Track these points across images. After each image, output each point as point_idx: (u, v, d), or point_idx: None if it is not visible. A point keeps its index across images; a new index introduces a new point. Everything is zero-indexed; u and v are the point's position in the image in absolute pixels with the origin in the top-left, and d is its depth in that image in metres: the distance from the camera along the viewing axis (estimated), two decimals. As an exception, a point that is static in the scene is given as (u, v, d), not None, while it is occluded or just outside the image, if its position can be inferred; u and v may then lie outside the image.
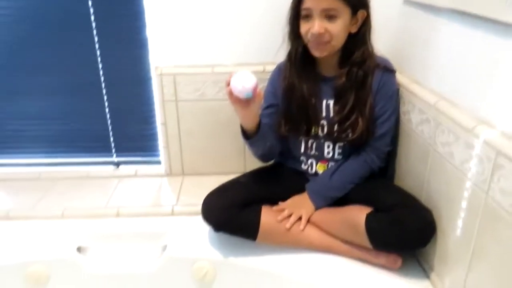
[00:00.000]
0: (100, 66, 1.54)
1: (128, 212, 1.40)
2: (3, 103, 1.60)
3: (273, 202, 1.25)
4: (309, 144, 1.27)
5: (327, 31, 1.08)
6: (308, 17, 1.10)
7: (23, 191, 1.53)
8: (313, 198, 1.22)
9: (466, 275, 0.91)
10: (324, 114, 1.23)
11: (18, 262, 1.23)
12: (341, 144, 1.24)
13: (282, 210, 1.21)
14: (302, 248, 1.18)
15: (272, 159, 1.34)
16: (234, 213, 1.15)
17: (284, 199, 1.26)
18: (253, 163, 1.38)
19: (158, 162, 1.67)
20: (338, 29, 1.09)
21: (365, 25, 1.14)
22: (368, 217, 1.07)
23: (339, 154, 1.26)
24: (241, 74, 1.04)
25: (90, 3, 1.45)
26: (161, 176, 1.64)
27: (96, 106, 1.60)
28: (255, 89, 1.04)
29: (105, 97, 1.59)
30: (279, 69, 1.28)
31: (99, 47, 1.51)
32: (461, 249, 0.93)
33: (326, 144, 1.26)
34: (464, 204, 0.91)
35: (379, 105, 1.18)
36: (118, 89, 1.58)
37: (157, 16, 1.44)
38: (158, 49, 1.49)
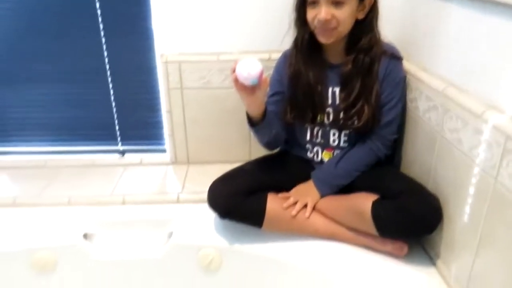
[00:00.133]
0: (105, 54, 1.53)
1: (133, 200, 1.40)
2: (9, 91, 1.60)
3: (278, 189, 1.25)
4: (315, 132, 1.27)
5: (334, 17, 1.07)
6: (315, 3, 1.09)
7: (29, 179, 1.54)
8: (318, 186, 1.22)
9: (473, 261, 0.90)
10: (330, 101, 1.22)
11: (25, 249, 1.24)
12: (347, 132, 1.24)
13: (288, 197, 1.21)
14: (308, 235, 1.18)
15: (278, 147, 1.34)
16: (239, 200, 1.15)
17: (289, 187, 1.26)
18: (259, 151, 1.38)
19: (163, 151, 1.67)
20: (345, 15, 1.08)
21: (372, 11, 1.13)
22: (374, 204, 1.07)
23: (344, 142, 1.25)
24: (247, 61, 1.03)
25: (95, -10, 1.45)
26: (166, 164, 1.64)
27: (101, 94, 1.60)
28: (260, 76, 1.04)
29: (110, 85, 1.58)
30: (285, 56, 1.27)
31: (104, 35, 1.51)
32: (468, 235, 0.92)
33: (331, 132, 1.25)
34: (472, 190, 0.90)
35: (385, 92, 1.18)
36: (123, 77, 1.57)
37: (163, 3, 1.43)
38: (163, 37, 1.48)
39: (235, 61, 1.05)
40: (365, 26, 1.13)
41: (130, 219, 1.34)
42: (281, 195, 1.22)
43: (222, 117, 1.55)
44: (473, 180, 0.90)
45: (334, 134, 1.25)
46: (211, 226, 1.25)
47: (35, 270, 1.25)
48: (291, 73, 1.22)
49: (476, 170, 0.88)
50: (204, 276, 1.25)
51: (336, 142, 1.26)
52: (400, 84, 1.19)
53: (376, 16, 1.14)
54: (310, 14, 1.11)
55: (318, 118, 1.24)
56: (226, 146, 1.60)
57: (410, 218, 1.01)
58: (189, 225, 1.28)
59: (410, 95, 1.20)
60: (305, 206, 1.19)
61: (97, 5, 1.46)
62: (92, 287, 1.29)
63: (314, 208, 1.19)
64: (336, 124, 1.23)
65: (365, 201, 1.09)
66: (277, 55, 1.32)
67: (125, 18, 1.49)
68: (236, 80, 1.05)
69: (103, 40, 1.52)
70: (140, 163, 1.65)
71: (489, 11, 0.87)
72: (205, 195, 1.20)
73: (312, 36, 1.16)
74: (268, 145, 1.28)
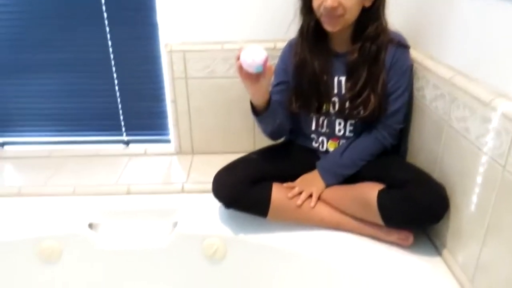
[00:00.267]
0: (110, 43, 1.53)
1: (138, 190, 1.40)
2: (13, 81, 1.60)
3: (283, 179, 1.24)
4: (320, 122, 1.26)
5: (340, 4, 1.06)
6: (321, -10, 1.08)
7: (34, 169, 1.54)
8: (323, 176, 1.22)
9: (480, 250, 0.90)
10: (335, 91, 1.21)
11: (30, 238, 1.24)
12: (353, 121, 1.23)
13: (293, 187, 1.20)
14: (313, 225, 1.18)
15: (282, 137, 1.33)
16: (244, 189, 1.15)
17: (294, 176, 1.25)
18: (263, 141, 1.37)
19: (168, 141, 1.67)
20: (352, 2, 1.06)
21: (380, -1, 1.11)
22: (380, 193, 1.06)
23: (350, 131, 1.24)
24: (251, 48, 1.02)
25: (99, -21, 1.44)
26: (171, 154, 1.65)
27: (106, 84, 1.59)
28: (265, 63, 1.02)
29: (115, 75, 1.58)
30: (290, 45, 1.26)
31: (108, 24, 1.50)
32: (475, 224, 0.92)
33: (337, 121, 1.24)
34: (479, 179, 0.89)
35: (392, 81, 1.16)
36: (128, 66, 1.57)
37: (167, -8, 1.42)
38: (167, 26, 1.47)
39: (240, 49, 1.04)
40: (372, 14, 1.12)
41: (134, 209, 1.34)
42: (286, 185, 1.22)
43: (226, 107, 1.54)
44: (481, 169, 0.89)
45: (339, 124, 1.24)
46: (215, 216, 1.25)
47: (40, 260, 1.26)
48: (297, 62, 1.21)
49: (484, 158, 0.87)
50: (209, 265, 1.25)
51: (342, 132, 1.25)
52: (407, 72, 1.18)
53: (383, 3, 1.12)
54: (316, 1, 1.09)
55: (324, 107, 1.23)
56: (230, 136, 1.60)
57: (416, 208, 1.01)
58: (193, 215, 1.28)
59: (417, 84, 1.19)
60: (310, 196, 1.18)
61: (102, -6, 1.46)
62: (97, 276, 1.30)
63: (319, 198, 1.19)
64: (342, 114, 1.22)
65: (370, 190, 1.08)
66: (282, 44, 1.30)
67: (129, 8, 1.48)
68: (240, 68, 1.04)
69: (107, 29, 1.51)
70: (145, 153, 1.65)
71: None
72: (209, 185, 1.20)
73: (318, 24, 1.14)
74: (272, 134, 1.27)
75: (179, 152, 1.64)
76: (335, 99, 1.21)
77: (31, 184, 1.44)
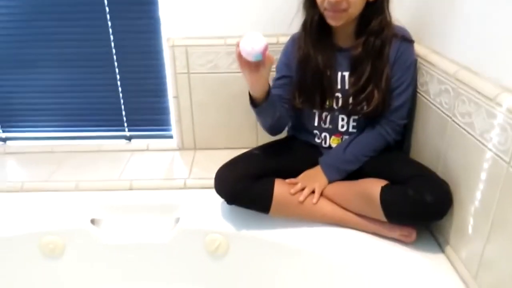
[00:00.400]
0: (112, 38, 1.52)
1: (141, 185, 1.40)
2: (14, 76, 1.60)
3: (286, 175, 1.23)
4: (323, 117, 1.25)
5: (344, -2, 1.05)
6: (325, -16, 1.07)
7: (36, 164, 1.54)
8: (326, 171, 1.21)
9: (484, 247, 0.89)
10: (339, 86, 1.20)
11: (33, 233, 1.24)
12: (356, 117, 1.22)
13: (295, 183, 1.20)
14: (315, 221, 1.17)
15: (281, 131, 1.30)
16: (247, 185, 1.14)
17: (297, 172, 1.24)
18: (266, 137, 1.36)
19: (170, 136, 1.67)
20: None
21: (384, -8, 1.10)
22: (383, 189, 1.05)
23: (353, 127, 1.24)
24: (251, 35, 0.99)
25: (101, -27, 1.43)
26: (173, 150, 1.64)
27: (108, 79, 1.59)
28: (265, 51, 1.00)
29: (117, 70, 1.57)
30: (293, 40, 1.25)
31: (110, 18, 1.49)
32: (479, 221, 0.91)
33: (340, 117, 1.23)
34: (483, 175, 0.88)
35: (396, 76, 1.15)
36: (130, 61, 1.56)
37: (169, -14, 1.41)
38: (170, 20, 1.46)
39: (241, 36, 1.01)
40: (376, 8, 1.11)
41: (137, 205, 1.34)
42: (288, 180, 1.21)
43: (229, 102, 1.53)
44: (485, 165, 0.88)
45: (342, 120, 1.24)
46: (218, 212, 1.25)
47: (43, 255, 1.26)
48: (300, 57, 1.20)
49: (488, 154, 0.86)
50: (211, 261, 1.25)
51: (345, 128, 1.24)
52: (411, 67, 1.17)
53: (387, -3, 1.11)
54: (320, -5, 1.08)
55: (327, 103, 1.22)
56: (233, 132, 1.59)
57: (419, 204, 1.00)
58: (196, 211, 1.28)
59: (421, 79, 1.18)
60: (313, 192, 1.18)
61: (103, -12, 1.45)
62: (100, 271, 1.30)
63: (321, 194, 1.18)
64: (345, 110, 1.21)
65: (373, 186, 1.07)
66: (285, 39, 1.29)
67: (131, 2, 1.47)
68: (239, 56, 1.02)
69: (109, 24, 1.50)
70: (147, 149, 1.65)
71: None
72: (212, 181, 1.19)
73: (321, 19, 1.13)
74: (271, 128, 1.26)
75: (182, 147, 1.64)
76: (338, 94, 1.20)
77: (33, 179, 1.44)
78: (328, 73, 1.18)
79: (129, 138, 1.69)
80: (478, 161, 0.90)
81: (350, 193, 1.14)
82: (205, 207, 1.28)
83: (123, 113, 1.65)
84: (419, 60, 1.18)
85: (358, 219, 1.13)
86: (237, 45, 1.01)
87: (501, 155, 0.82)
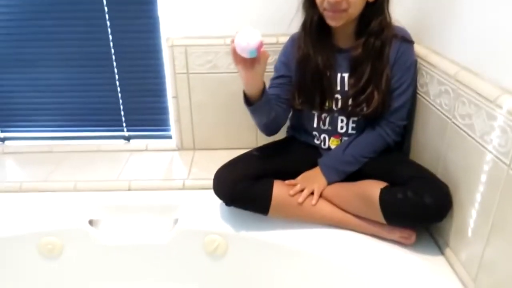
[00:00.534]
0: (110, 37, 1.51)
1: (139, 186, 1.39)
2: (13, 75, 1.59)
3: (285, 176, 1.22)
4: (323, 119, 1.24)
5: (344, -2, 1.04)
6: (325, -16, 1.06)
7: (35, 164, 1.54)
8: (325, 172, 1.20)
9: (484, 249, 0.89)
10: (338, 87, 1.19)
11: (31, 233, 1.24)
12: (355, 118, 1.21)
13: (294, 184, 1.19)
14: (314, 222, 1.17)
15: (277, 131, 1.29)
16: (246, 186, 1.14)
17: (296, 173, 1.24)
18: (265, 138, 1.35)
19: (169, 137, 1.66)
20: None
21: (384, -7, 1.10)
22: (383, 191, 1.05)
23: (353, 129, 1.23)
24: (246, 31, 0.98)
25: (99, -28, 1.42)
26: (172, 150, 1.64)
27: (106, 78, 1.58)
28: (259, 47, 0.99)
29: (116, 70, 1.57)
30: (293, 40, 1.24)
31: (109, 18, 1.49)
32: (479, 223, 0.91)
33: (339, 118, 1.23)
34: (483, 177, 0.88)
35: (396, 77, 1.15)
36: (129, 61, 1.56)
37: (168, -14, 1.41)
38: (169, 20, 1.46)
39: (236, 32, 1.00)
40: (376, 8, 1.10)
41: (136, 205, 1.33)
42: (287, 182, 1.20)
43: (229, 102, 1.53)
44: (485, 167, 0.87)
45: (342, 121, 1.23)
46: (217, 212, 1.24)
47: (41, 255, 1.26)
48: (300, 57, 1.19)
49: (488, 157, 0.86)
50: (210, 262, 1.25)
51: (344, 129, 1.23)
52: (411, 68, 1.16)
53: (387, -2, 1.11)
54: (319, -5, 1.08)
55: (326, 104, 1.21)
56: (232, 132, 1.59)
57: (419, 206, 0.99)
58: (195, 211, 1.27)
59: (421, 80, 1.18)
60: (312, 193, 1.17)
61: (102, -13, 1.44)
62: (98, 272, 1.30)
63: (321, 195, 1.17)
64: (345, 111, 1.20)
65: (373, 188, 1.07)
66: (284, 39, 1.29)
67: (130, 1, 1.46)
68: (234, 52, 1.01)
69: (108, 23, 1.49)
70: (146, 149, 1.64)
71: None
72: (211, 181, 1.19)
73: (321, 19, 1.13)
74: (266, 128, 1.24)
75: (181, 148, 1.63)
76: (338, 96, 1.20)
77: (32, 179, 1.43)
78: (328, 74, 1.18)
79: (128, 138, 1.69)
80: (478, 163, 0.90)
81: (349, 194, 1.14)
82: (204, 208, 1.27)
83: (122, 113, 1.64)
84: (419, 60, 1.18)
85: (358, 221, 1.13)
86: (232, 41, 1.00)
87: (501, 157, 0.82)
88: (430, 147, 1.14)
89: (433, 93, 1.10)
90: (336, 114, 1.22)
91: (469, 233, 0.95)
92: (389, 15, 1.13)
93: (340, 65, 1.18)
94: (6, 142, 1.69)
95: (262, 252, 1.19)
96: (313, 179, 1.20)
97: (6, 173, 1.51)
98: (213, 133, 1.60)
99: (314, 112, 1.24)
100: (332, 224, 1.16)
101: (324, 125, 1.24)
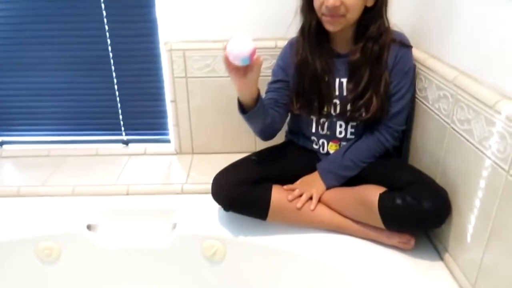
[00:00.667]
0: (109, 41, 1.51)
1: (138, 190, 1.39)
2: (11, 79, 1.59)
3: (284, 180, 1.22)
4: (321, 123, 1.24)
5: (342, 3, 1.04)
6: (323, -11, 1.06)
7: (33, 168, 1.53)
8: (324, 177, 1.20)
9: (483, 255, 0.88)
10: (337, 92, 1.19)
11: (29, 238, 1.23)
12: (354, 123, 1.21)
13: (293, 189, 1.19)
14: (313, 227, 1.17)
15: (273, 136, 1.27)
16: (244, 191, 1.13)
17: (295, 178, 1.24)
18: (264, 142, 1.35)
19: (168, 141, 1.66)
20: (354, 2, 1.05)
21: (382, -2, 1.09)
22: (382, 196, 1.04)
23: (351, 133, 1.23)
24: (238, 38, 0.97)
25: (97, -24, 1.42)
26: (171, 154, 1.63)
27: (105, 82, 1.58)
28: (252, 55, 0.97)
29: (114, 74, 1.56)
30: (291, 44, 1.24)
31: (107, 22, 1.48)
32: (478, 228, 0.90)
33: (338, 123, 1.22)
34: (482, 183, 0.88)
35: (394, 82, 1.15)
36: (127, 65, 1.55)
37: (167, -10, 1.41)
38: (167, 24, 1.45)
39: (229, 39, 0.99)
40: (374, 13, 1.10)
41: (134, 209, 1.33)
42: (286, 187, 1.20)
43: (227, 106, 1.52)
44: (484, 173, 0.87)
45: (340, 126, 1.23)
46: (215, 217, 1.24)
47: (39, 260, 1.25)
48: (298, 61, 1.18)
49: (487, 162, 0.86)
50: (208, 266, 1.24)
51: (343, 134, 1.23)
52: (410, 73, 1.16)
53: (385, 3, 1.10)
54: (318, 0, 1.07)
55: (325, 109, 1.21)
56: (231, 136, 1.58)
57: (418, 211, 0.99)
58: (193, 216, 1.27)
59: (419, 85, 1.17)
60: (311, 198, 1.17)
61: (100, -9, 1.44)
62: (96, 277, 1.29)
63: (319, 200, 1.17)
64: (343, 116, 1.20)
65: (372, 193, 1.07)
66: (283, 43, 1.29)
67: (129, 5, 1.46)
68: (227, 59, 0.99)
69: (106, 27, 1.49)
70: (144, 153, 1.64)
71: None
72: (209, 186, 1.19)
73: (319, 24, 1.12)
74: (261, 133, 1.23)
75: (179, 152, 1.63)
76: (336, 101, 1.20)
77: (30, 184, 1.43)
78: (326, 78, 1.17)
79: (126, 142, 1.68)
80: (477, 169, 0.89)
81: (348, 199, 1.13)
82: (202, 213, 1.27)
83: (120, 117, 1.64)
84: (418, 65, 1.18)
85: (356, 226, 1.13)
86: (224, 48, 0.99)
87: (500, 163, 0.82)
88: (429, 152, 1.14)
89: (431, 98, 1.10)
90: (334, 119, 1.22)
91: (468, 239, 0.94)
92: (387, 20, 1.13)
93: (339, 70, 1.17)
94: (4, 146, 1.69)
95: (261, 257, 1.18)
96: (312, 183, 1.20)
97: (4, 178, 1.50)
98: (212, 137, 1.60)
99: (312, 117, 1.23)
100: (331, 229, 1.16)
101: (323, 130, 1.24)
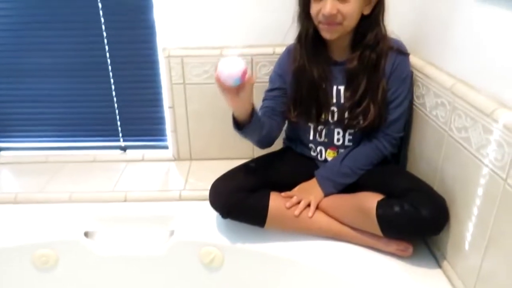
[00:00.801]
0: (107, 48, 1.51)
1: (135, 197, 1.38)
2: (9, 85, 1.59)
3: (281, 187, 1.22)
4: (319, 131, 1.24)
5: (339, 12, 1.04)
6: (320, -3, 1.06)
7: (30, 175, 1.53)
8: (322, 184, 1.20)
9: (481, 262, 0.88)
10: (334, 100, 1.19)
11: (26, 245, 1.23)
12: (352, 131, 1.21)
13: (291, 196, 1.18)
14: (311, 234, 1.16)
15: (270, 145, 1.27)
16: (242, 197, 1.13)
17: (293, 184, 1.24)
18: (262, 148, 1.35)
19: (166, 147, 1.66)
20: (351, 10, 1.05)
21: (379, 6, 1.09)
22: (379, 203, 1.04)
23: (349, 141, 1.23)
24: (228, 60, 0.97)
25: (96, -17, 1.42)
26: (169, 160, 1.63)
27: (103, 89, 1.58)
28: (243, 75, 0.97)
29: (112, 80, 1.56)
30: (289, 51, 1.24)
31: (105, 28, 1.48)
32: (476, 236, 0.90)
33: (336, 131, 1.22)
34: (480, 191, 0.88)
35: (392, 89, 1.15)
36: (125, 71, 1.55)
37: (165, -3, 1.41)
38: (165, 30, 1.46)
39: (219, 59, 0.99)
40: (371, 21, 1.10)
41: (132, 216, 1.32)
42: (284, 194, 1.20)
43: (225, 113, 1.50)
44: (482, 181, 0.87)
45: (338, 133, 1.23)
46: (213, 224, 1.24)
47: (36, 267, 1.25)
48: (295, 69, 1.19)
49: (485, 170, 0.86)
50: (206, 273, 1.24)
51: (341, 142, 1.23)
52: (407, 80, 1.16)
53: (382, 10, 1.11)
54: (315, 8, 1.08)
55: (323, 116, 1.21)
56: (229, 143, 1.58)
57: (415, 219, 0.99)
58: (191, 222, 1.27)
59: (417, 92, 1.18)
60: (309, 205, 1.16)
61: (98, -3, 1.44)
62: (94, 283, 1.28)
63: (317, 207, 1.17)
64: (341, 123, 1.20)
65: (369, 200, 1.07)
66: (281, 49, 1.29)
67: (127, 11, 1.46)
68: (218, 80, 0.99)
69: (104, 34, 1.49)
70: (142, 159, 1.64)
71: (505, 5, 0.83)
72: (207, 192, 1.18)
73: (316, 32, 1.13)
74: (259, 143, 1.23)
75: (177, 158, 1.63)
76: (334, 108, 1.20)
77: (27, 190, 1.42)
78: (323, 86, 1.18)
79: (124, 149, 1.68)
80: (474, 177, 0.90)
81: (346, 206, 1.13)
82: (200, 219, 1.27)
83: (118, 123, 1.64)
84: (415, 72, 1.18)
85: (354, 233, 1.12)
86: (216, 69, 0.98)
87: (497, 171, 0.82)
88: (427, 159, 1.14)
89: (429, 105, 1.10)
90: (332, 127, 1.22)
91: (466, 246, 0.94)
92: (384, 27, 1.13)
93: (336, 78, 1.18)
94: (2, 152, 1.68)
95: (259, 264, 1.18)
96: (310, 190, 1.20)
97: (1, 184, 1.50)
98: (210, 143, 1.60)
99: (310, 124, 1.24)
100: (328, 236, 1.15)
101: (321, 137, 1.24)
